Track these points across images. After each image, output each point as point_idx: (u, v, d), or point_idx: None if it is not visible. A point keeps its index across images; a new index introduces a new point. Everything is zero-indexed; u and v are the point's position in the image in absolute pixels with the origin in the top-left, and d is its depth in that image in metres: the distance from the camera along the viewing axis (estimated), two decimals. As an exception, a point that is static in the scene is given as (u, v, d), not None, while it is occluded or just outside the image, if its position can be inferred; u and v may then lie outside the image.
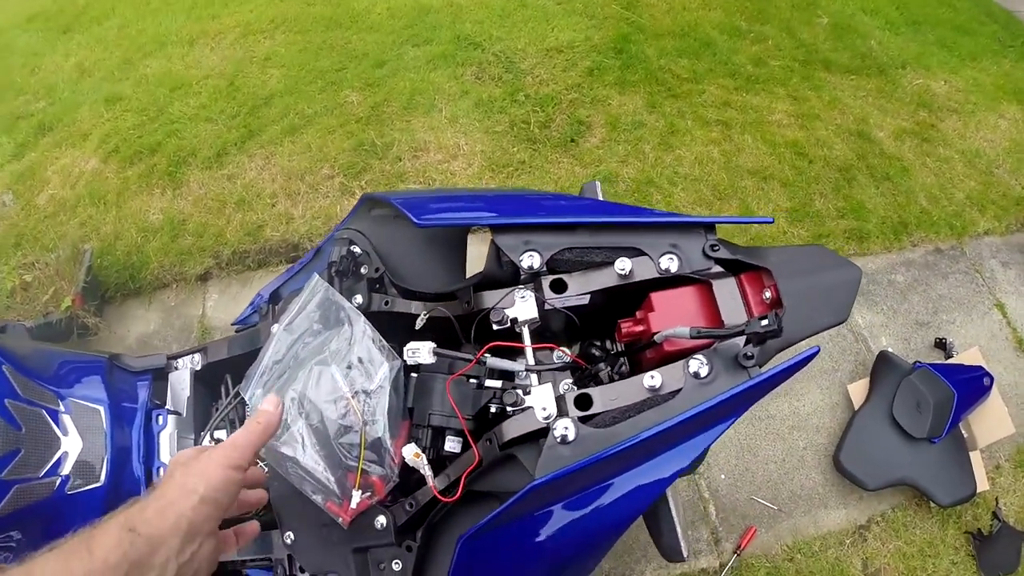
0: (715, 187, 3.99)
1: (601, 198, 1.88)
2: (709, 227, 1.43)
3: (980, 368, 3.27)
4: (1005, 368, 3.59)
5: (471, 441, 1.39)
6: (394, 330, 1.50)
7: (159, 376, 1.92)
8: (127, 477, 1.73)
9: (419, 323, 1.53)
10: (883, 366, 3.27)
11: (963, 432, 3.17)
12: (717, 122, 4.38)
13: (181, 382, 1.90)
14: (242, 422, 1.61)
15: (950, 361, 3.46)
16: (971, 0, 6.21)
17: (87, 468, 1.67)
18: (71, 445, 1.67)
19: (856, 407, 3.28)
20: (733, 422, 1.30)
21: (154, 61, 4.94)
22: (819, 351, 1.24)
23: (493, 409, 1.41)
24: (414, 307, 1.57)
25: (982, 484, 3.12)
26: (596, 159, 4.08)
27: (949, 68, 5.21)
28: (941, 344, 3.56)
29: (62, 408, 1.70)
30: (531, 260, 1.43)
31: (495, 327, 1.44)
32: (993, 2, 6.32)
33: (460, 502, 1.40)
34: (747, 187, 4.02)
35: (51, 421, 1.67)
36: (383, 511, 1.45)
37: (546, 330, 1.51)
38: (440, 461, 1.46)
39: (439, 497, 1.39)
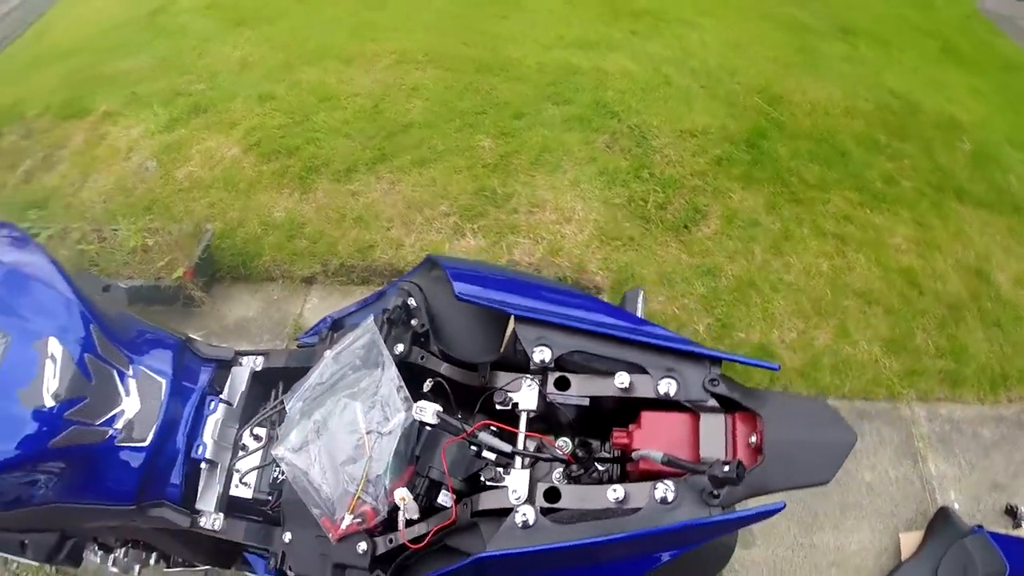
0: (816, 301, 3.92)
1: (641, 307, 1.97)
2: (715, 360, 1.47)
3: None
4: (1078, 556, 3.37)
5: (453, 501, 1.50)
6: (422, 383, 1.67)
7: (223, 367, 2.09)
8: (169, 445, 1.91)
9: (426, 386, 1.67)
10: (940, 522, 3.13)
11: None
12: (834, 235, 4.29)
13: (240, 377, 2.07)
14: (279, 423, 1.80)
15: (1015, 532, 3.29)
16: None
17: (137, 428, 1.86)
18: (129, 405, 1.86)
19: (903, 558, 3.14)
20: (684, 552, 1.35)
21: (311, 70, 5.22)
22: (784, 506, 1.25)
23: (483, 478, 1.51)
24: (444, 369, 1.70)
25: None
26: (704, 250, 4.08)
27: None
28: (1011, 512, 3.37)
29: (130, 372, 1.90)
30: (542, 355, 1.52)
31: (498, 407, 1.55)
32: None
33: (433, 551, 1.53)
34: (849, 308, 3.93)
35: (118, 381, 1.87)
36: (366, 539, 1.59)
37: (550, 418, 1.59)
38: (432, 510, 1.57)
39: (406, 543, 1.53)
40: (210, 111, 5.00)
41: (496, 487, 1.47)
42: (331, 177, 4.29)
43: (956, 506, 3.31)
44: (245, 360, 2.10)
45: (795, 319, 3.84)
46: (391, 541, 1.58)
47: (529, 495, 1.41)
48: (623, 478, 1.50)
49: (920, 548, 3.12)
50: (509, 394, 1.55)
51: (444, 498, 1.56)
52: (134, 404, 1.88)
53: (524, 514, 1.36)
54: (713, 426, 1.40)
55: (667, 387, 1.44)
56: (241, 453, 1.97)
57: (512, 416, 1.55)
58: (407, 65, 5.27)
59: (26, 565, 3.36)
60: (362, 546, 1.60)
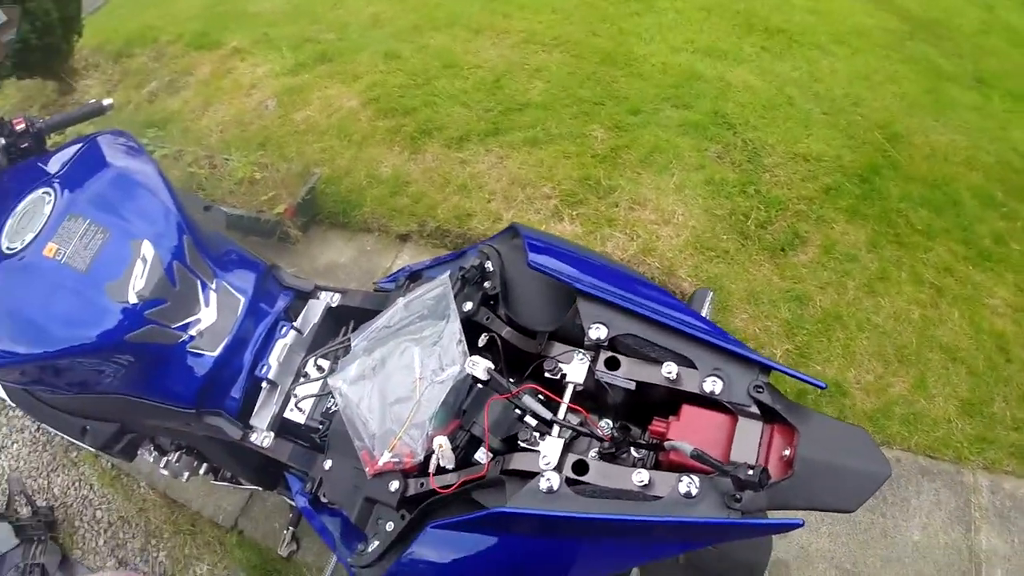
0: (900, 348, 3.82)
1: (708, 308, 2.00)
2: (764, 368, 1.47)
3: None
4: None
5: (488, 457, 1.56)
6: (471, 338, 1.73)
7: (301, 297, 2.22)
8: (236, 359, 2.04)
9: (481, 341, 1.72)
10: None
11: None
12: (931, 285, 4.17)
13: (316, 309, 2.18)
14: (343, 357, 1.88)
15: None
16: None
17: (210, 338, 2.00)
18: (206, 315, 2.00)
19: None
20: (694, 549, 1.40)
21: (439, 35, 5.32)
22: (802, 524, 1.25)
23: (520, 440, 1.56)
24: (505, 332, 1.74)
25: None
26: (797, 276, 4.03)
27: None
28: None
29: (213, 285, 2.04)
30: (598, 332, 1.55)
31: (547, 375, 1.60)
32: None
33: (456, 501, 1.59)
34: (932, 360, 3.80)
35: (200, 291, 2.01)
36: (400, 478, 1.66)
37: (597, 397, 1.63)
38: (467, 464, 1.62)
39: (435, 488, 1.58)
40: (336, 61, 5.15)
41: (529, 450, 1.52)
42: (442, 142, 4.38)
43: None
44: (323, 294, 2.21)
45: (875, 362, 3.75)
46: (422, 485, 1.64)
47: (559, 464, 1.45)
48: (655, 467, 1.52)
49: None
50: (560, 364, 1.60)
51: (481, 455, 1.61)
52: (211, 315, 2.01)
53: (549, 479, 1.40)
54: (748, 431, 1.41)
55: (712, 385, 1.45)
56: (302, 380, 2.06)
57: (559, 387, 1.59)
58: (534, 45, 5.31)
59: (85, 453, 3.56)
60: (394, 484, 1.66)
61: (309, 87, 4.93)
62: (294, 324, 2.13)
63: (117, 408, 2.16)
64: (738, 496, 1.29)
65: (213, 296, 2.03)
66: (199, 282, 2.01)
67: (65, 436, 2.68)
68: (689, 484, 1.33)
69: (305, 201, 3.94)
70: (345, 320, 2.18)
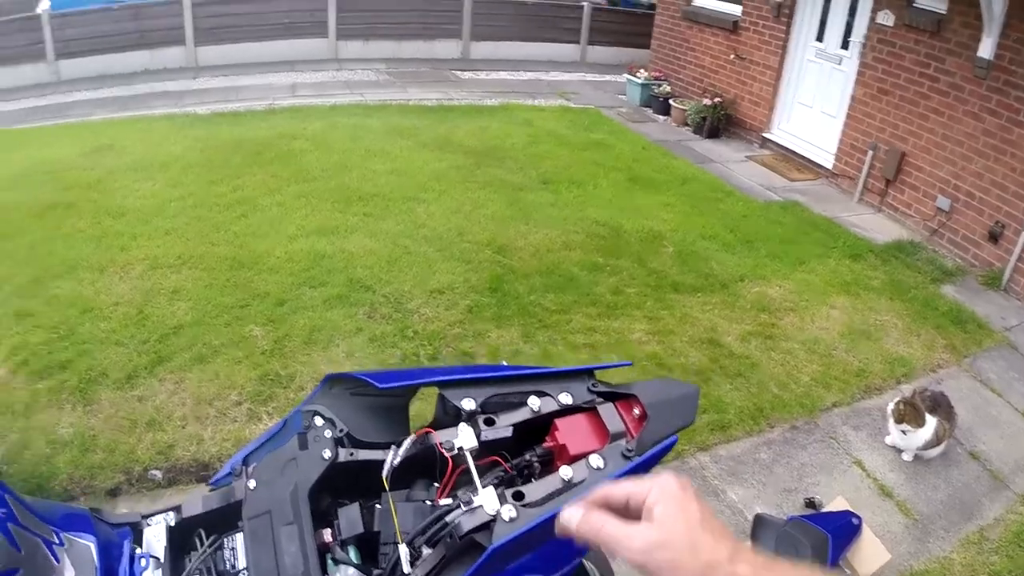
0: None
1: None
2: (590, 372, 2.01)
3: (848, 512, 3.49)
4: (873, 512, 3.95)
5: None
6: (359, 483, 1.91)
7: (135, 528, 2.10)
8: None
9: (385, 471, 1.83)
10: (759, 526, 3.32)
11: (845, 570, 3.40)
12: (585, 345, 5.03)
13: (157, 535, 2.07)
14: (217, 570, 1.90)
15: (820, 511, 3.81)
16: (794, 215, 7.60)
17: None
18: (66, 573, 1.86)
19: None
20: None
21: (64, 283, 5.26)
22: (676, 440, 1.84)
23: (461, 504, 1.72)
24: (378, 453, 1.92)
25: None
26: None
27: (782, 275, 6.30)
28: (811, 503, 3.96)
29: (56, 540, 1.91)
30: (470, 404, 1.88)
31: (446, 454, 1.82)
32: (816, 213, 7.73)
33: None
34: None
35: (47, 550, 1.88)
36: None
37: (493, 451, 1.93)
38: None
39: None
40: (-38, 337, 4.90)
41: (471, 510, 1.68)
42: (112, 386, 4.34)
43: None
44: (154, 519, 2.10)
45: None
46: None
47: (501, 503, 1.67)
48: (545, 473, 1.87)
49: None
50: (453, 441, 1.81)
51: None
52: (68, 571, 1.88)
53: (509, 511, 1.64)
54: (609, 413, 1.87)
55: (566, 398, 1.91)
56: None
57: (459, 459, 1.82)
58: (162, 270, 5.50)
59: None
60: None
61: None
62: (151, 553, 2.02)
63: None
64: (629, 449, 1.77)
65: (62, 552, 1.90)
66: (41, 541, 1.87)
67: None
68: (597, 460, 1.74)
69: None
70: (191, 531, 2.08)
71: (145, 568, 1.97)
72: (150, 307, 5.06)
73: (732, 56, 10.30)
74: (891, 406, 4.29)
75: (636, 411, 1.88)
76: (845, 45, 8.75)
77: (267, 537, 1.82)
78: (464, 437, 1.81)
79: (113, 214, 6.36)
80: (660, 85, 11.51)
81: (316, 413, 1.98)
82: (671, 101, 11.03)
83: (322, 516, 1.82)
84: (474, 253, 6.01)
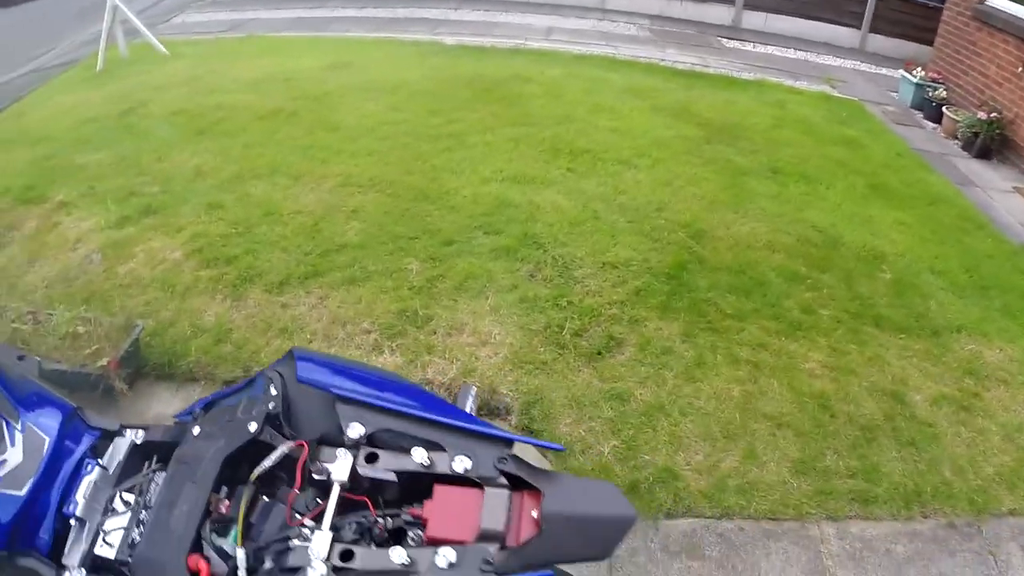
0: (725, 425, 4.01)
1: (471, 403, 2.20)
2: (508, 442, 1.68)
3: None
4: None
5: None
6: (257, 457, 1.80)
7: (107, 436, 2.22)
8: (42, 498, 2.04)
9: (255, 473, 1.77)
10: None
11: None
12: (747, 362, 4.44)
13: (121, 447, 2.19)
14: (144, 498, 1.96)
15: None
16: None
17: (15, 478, 2.01)
18: (12, 456, 2.02)
19: None
20: None
21: (261, 184, 5.55)
22: (552, 574, 1.45)
23: (292, 539, 1.64)
24: (284, 446, 1.81)
25: None
26: (616, 376, 4.25)
27: (1008, 337, 5.05)
28: None
29: (18, 426, 2.07)
30: (356, 431, 1.72)
31: (315, 477, 1.71)
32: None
33: None
34: (758, 430, 4.00)
35: (5, 430, 2.05)
36: None
37: (373, 488, 1.75)
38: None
39: None
40: (160, 213, 5.27)
41: (302, 546, 1.60)
42: (263, 288, 4.53)
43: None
44: (128, 432, 2.22)
45: (702, 442, 3.92)
46: None
47: (327, 555, 1.54)
48: (420, 542, 1.65)
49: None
50: (326, 465, 1.70)
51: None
52: (16, 455, 2.03)
53: (316, 570, 1.50)
54: (495, 500, 1.58)
55: (461, 464, 1.63)
56: (110, 515, 2.05)
57: (328, 485, 1.70)
58: (351, 187, 5.63)
59: None
60: None
61: (134, 240, 5.00)
62: (99, 461, 2.14)
63: None
64: (490, 560, 1.46)
65: (19, 436, 2.07)
66: (4, 423, 2.06)
67: None
68: (445, 556, 1.49)
69: (128, 353, 3.98)
70: (149, 455, 2.19)
71: (88, 473, 2.09)
72: (325, 222, 5.18)
73: (1020, 69, 8.90)
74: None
75: (535, 513, 1.55)
76: None
77: (178, 487, 1.81)
78: (339, 466, 1.69)
79: (327, 127, 6.60)
80: (936, 88, 10.11)
81: (271, 380, 1.93)
82: (944, 108, 9.69)
83: (235, 484, 1.80)
84: (666, 232, 5.56)
